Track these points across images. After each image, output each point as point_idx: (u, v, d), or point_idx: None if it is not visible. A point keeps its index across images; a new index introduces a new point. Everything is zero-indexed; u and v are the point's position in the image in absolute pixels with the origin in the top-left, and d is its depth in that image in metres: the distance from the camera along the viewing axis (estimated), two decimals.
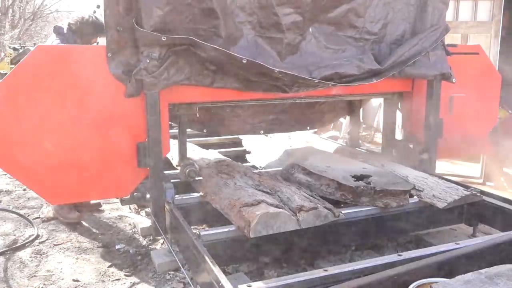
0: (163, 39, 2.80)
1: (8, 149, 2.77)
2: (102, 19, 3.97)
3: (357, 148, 4.58)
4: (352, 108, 4.57)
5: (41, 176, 2.84)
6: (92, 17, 3.95)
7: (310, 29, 3.29)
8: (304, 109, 4.16)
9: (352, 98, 4.06)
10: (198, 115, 3.42)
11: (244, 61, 2.90)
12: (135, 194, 3.17)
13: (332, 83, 3.20)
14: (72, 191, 2.95)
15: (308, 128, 4.43)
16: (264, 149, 4.60)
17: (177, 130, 3.56)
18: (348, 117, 5.21)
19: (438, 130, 3.77)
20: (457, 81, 3.67)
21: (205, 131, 3.89)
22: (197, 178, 3.27)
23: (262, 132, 4.11)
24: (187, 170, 3.26)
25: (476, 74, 4.02)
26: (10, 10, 21.34)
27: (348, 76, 3.29)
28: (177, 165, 3.45)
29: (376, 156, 4.14)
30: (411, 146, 3.95)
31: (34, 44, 13.15)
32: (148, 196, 3.11)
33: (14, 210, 4.03)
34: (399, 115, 4.12)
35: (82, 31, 3.89)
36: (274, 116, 4.05)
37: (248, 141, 4.87)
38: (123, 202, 3.32)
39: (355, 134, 4.73)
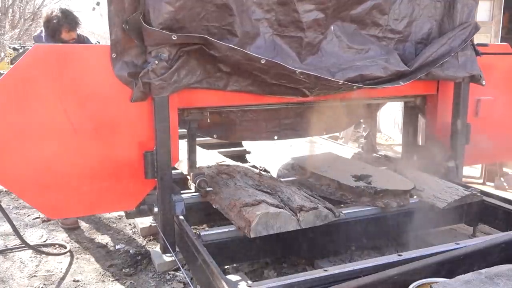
0: (174, 38, 2.54)
1: (1, 159, 2.50)
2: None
3: (374, 154, 4.31)
4: (369, 111, 4.19)
5: (38, 188, 2.58)
6: (56, 10, 3.69)
7: (332, 27, 3.06)
8: (321, 113, 3.86)
9: (373, 102, 3.85)
10: (208, 120, 3.17)
11: (263, 61, 2.67)
12: (141, 207, 2.95)
13: (356, 85, 2.97)
14: (73, 205, 2.70)
15: (324, 133, 4.14)
16: (264, 149, 4.59)
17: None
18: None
19: (465, 136, 3.54)
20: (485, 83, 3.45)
21: (215, 136, 3.58)
22: (208, 189, 3.01)
23: (276, 138, 3.76)
24: (198, 181, 3.02)
25: (504, 75, 3.80)
26: (10, 10, 21.31)
27: (373, 79, 3.05)
28: (186, 174, 3.30)
29: (397, 163, 3.90)
30: (435, 152, 3.68)
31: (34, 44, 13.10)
32: (155, 209, 2.88)
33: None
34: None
35: (48, 28, 3.69)
36: (289, 120, 3.72)
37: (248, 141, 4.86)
38: (128, 215, 3.13)
39: (371, 139, 4.42)
